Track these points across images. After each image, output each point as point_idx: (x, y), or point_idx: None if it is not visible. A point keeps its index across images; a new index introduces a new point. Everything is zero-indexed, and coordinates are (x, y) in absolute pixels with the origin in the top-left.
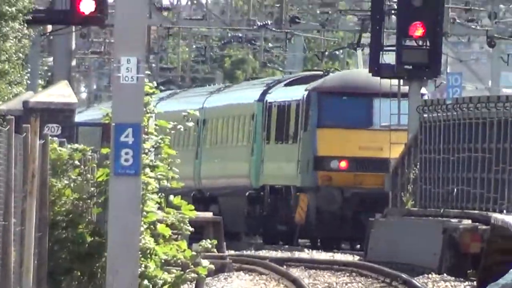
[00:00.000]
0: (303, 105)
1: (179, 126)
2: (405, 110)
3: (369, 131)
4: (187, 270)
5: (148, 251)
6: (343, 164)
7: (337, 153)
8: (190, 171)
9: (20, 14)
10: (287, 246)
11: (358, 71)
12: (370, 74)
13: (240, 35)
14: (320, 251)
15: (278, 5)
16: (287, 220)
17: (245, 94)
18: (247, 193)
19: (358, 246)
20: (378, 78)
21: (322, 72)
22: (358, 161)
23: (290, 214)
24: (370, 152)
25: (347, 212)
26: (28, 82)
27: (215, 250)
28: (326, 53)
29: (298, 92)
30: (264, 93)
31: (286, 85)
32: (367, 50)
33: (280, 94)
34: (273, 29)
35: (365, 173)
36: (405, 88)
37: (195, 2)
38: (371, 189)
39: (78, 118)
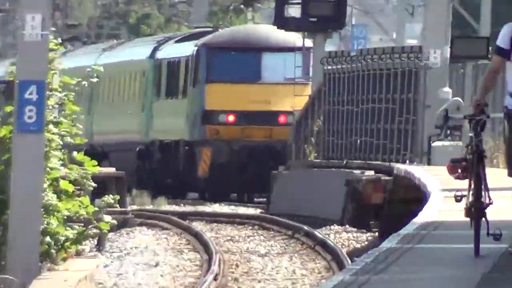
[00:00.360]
0: (193, 61)
1: (83, 82)
2: (296, 63)
3: (258, 85)
4: (90, 226)
5: (50, 208)
6: (231, 118)
7: (225, 107)
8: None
9: None
10: (190, 200)
11: (247, 27)
12: (261, 29)
13: None
14: (221, 204)
15: None
16: (176, 174)
17: (137, 51)
18: (137, 148)
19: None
20: (268, 32)
21: (212, 29)
22: (246, 114)
23: (178, 168)
24: (258, 105)
25: (235, 164)
26: None
27: (117, 205)
28: (231, 7)
29: (188, 48)
30: (155, 50)
31: (176, 41)
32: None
33: (171, 51)
34: None
35: (253, 126)
36: (298, 41)
37: None
38: (259, 141)
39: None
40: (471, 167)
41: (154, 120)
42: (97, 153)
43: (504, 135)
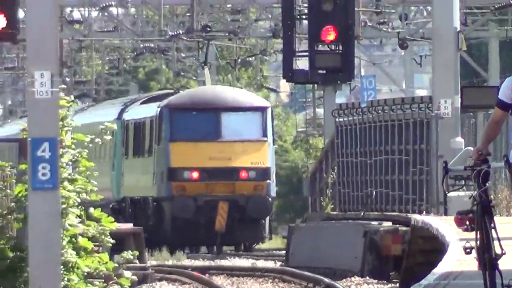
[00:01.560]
0: (156, 121)
1: (97, 140)
2: (253, 122)
3: (218, 143)
4: (110, 282)
5: (70, 265)
6: (195, 174)
7: (189, 165)
8: None
9: None
10: (209, 255)
11: (206, 88)
12: (218, 90)
13: (152, 45)
14: (242, 258)
15: (189, 14)
16: (147, 228)
17: (105, 113)
18: (110, 205)
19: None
20: (226, 93)
21: (173, 91)
22: (209, 171)
23: (148, 223)
24: (220, 162)
25: (200, 218)
26: None
27: (137, 261)
28: (239, 60)
29: (152, 109)
30: (122, 112)
31: (142, 103)
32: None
33: (136, 112)
34: (185, 38)
35: (215, 182)
36: (255, 100)
37: (106, 14)
38: (222, 196)
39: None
40: (476, 218)
41: (124, 178)
42: None
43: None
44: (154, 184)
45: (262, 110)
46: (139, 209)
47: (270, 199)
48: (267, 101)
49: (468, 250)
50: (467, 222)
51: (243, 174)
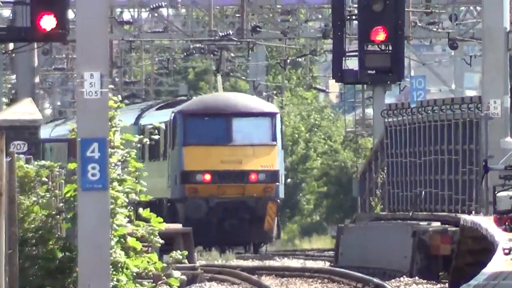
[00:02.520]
0: (171, 126)
1: (145, 140)
2: (263, 127)
3: (229, 147)
4: (159, 282)
5: (119, 265)
6: (207, 177)
7: (201, 168)
8: None
9: None
10: (258, 255)
11: (218, 94)
12: (230, 96)
13: (202, 46)
14: (290, 258)
15: (239, 15)
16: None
17: (124, 118)
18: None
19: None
20: (237, 99)
21: (187, 97)
22: (220, 173)
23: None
24: (230, 165)
25: (212, 219)
26: None
27: (186, 261)
28: (289, 60)
29: (167, 115)
30: (139, 117)
31: (157, 109)
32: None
33: (152, 118)
34: (235, 39)
35: (226, 184)
36: (265, 107)
37: (156, 15)
38: (233, 198)
39: (44, 134)
40: None
41: (141, 181)
42: None
43: None
44: (169, 187)
45: (271, 115)
46: (154, 210)
47: (278, 200)
48: (276, 107)
49: (506, 251)
50: (506, 222)
51: (253, 177)
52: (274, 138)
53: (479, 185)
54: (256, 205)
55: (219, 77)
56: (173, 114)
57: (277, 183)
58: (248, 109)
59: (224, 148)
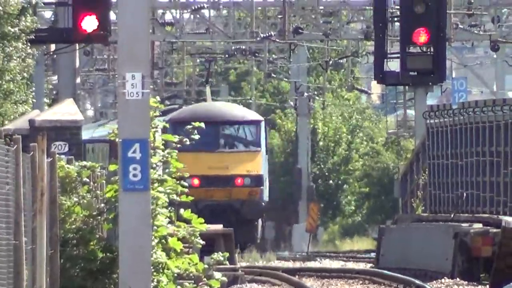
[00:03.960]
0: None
1: (184, 140)
2: (248, 134)
3: (217, 154)
4: (200, 283)
5: (160, 266)
6: (195, 181)
7: (190, 172)
8: None
9: (23, 34)
10: (298, 256)
11: (206, 104)
12: (218, 106)
13: (243, 47)
14: (332, 259)
15: (280, 16)
16: None
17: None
18: None
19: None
20: (224, 108)
21: (178, 106)
22: (208, 178)
23: None
24: (218, 170)
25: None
26: (34, 101)
27: (227, 262)
28: (330, 62)
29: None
30: None
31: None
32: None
33: None
34: (277, 40)
35: (214, 188)
36: (250, 115)
37: (198, 16)
38: (220, 201)
39: (86, 135)
40: None
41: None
42: None
43: None
44: None
45: (256, 123)
46: None
47: (263, 203)
48: (260, 116)
49: None
50: None
51: (239, 181)
52: (258, 145)
53: None
54: (241, 207)
55: (207, 88)
56: (164, 122)
57: (261, 187)
58: (235, 118)
59: (212, 154)
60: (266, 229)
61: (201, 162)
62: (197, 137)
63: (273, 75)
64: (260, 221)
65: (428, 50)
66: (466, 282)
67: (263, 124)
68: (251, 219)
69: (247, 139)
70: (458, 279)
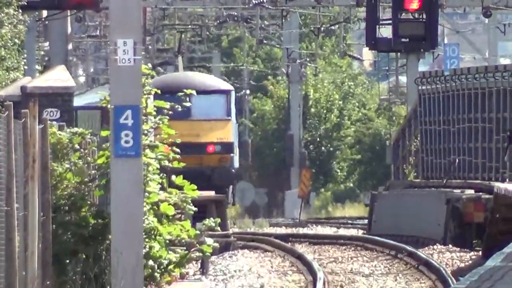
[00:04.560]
0: None
1: (176, 106)
2: (219, 103)
3: (188, 122)
4: (192, 249)
5: (152, 232)
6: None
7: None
8: None
9: (14, 0)
10: (291, 222)
11: (177, 74)
12: (190, 75)
13: (235, 14)
14: (324, 226)
15: None
16: None
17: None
18: None
19: None
20: (195, 78)
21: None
22: (180, 146)
23: None
24: (190, 138)
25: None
26: (25, 67)
27: (219, 228)
28: (322, 28)
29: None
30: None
31: None
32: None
33: None
34: (269, 6)
35: (186, 155)
36: (220, 84)
37: None
38: (191, 167)
39: (77, 102)
40: None
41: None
42: None
43: None
44: None
45: (226, 92)
46: None
47: (233, 170)
48: (230, 85)
49: None
50: None
51: (210, 148)
52: (229, 114)
53: (504, 157)
54: (212, 174)
55: (180, 58)
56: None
57: (231, 154)
58: (205, 87)
59: (184, 122)
60: (258, 195)
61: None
62: (189, 104)
63: (265, 41)
64: (231, 187)
65: (420, 16)
66: (459, 249)
67: (233, 93)
68: (222, 185)
69: (218, 108)
70: (450, 245)
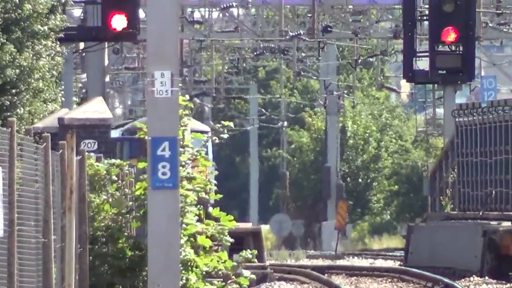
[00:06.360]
0: (121, 143)
1: (214, 138)
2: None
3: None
4: (229, 281)
5: (189, 263)
6: None
7: None
8: None
9: (52, 33)
10: (328, 254)
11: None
12: None
13: (272, 45)
14: (360, 257)
15: (310, 15)
16: None
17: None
18: None
19: None
20: None
21: (132, 120)
22: None
23: None
24: None
25: None
26: (63, 99)
27: (255, 260)
28: (360, 60)
29: (116, 133)
30: None
31: (112, 128)
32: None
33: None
34: (306, 38)
35: None
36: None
37: (226, 14)
38: None
39: (116, 133)
40: None
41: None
42: None
43: None
44: None
45: (205, 133)
46: None
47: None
48: (208, 126)
49: None
50: None
51: None
52: (206, 153)
53: None
54: None
55: None
56: (121, 132)
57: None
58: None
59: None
60: (295, 226)
61: None
62: (225, 136)
63: (302, 73)
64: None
65: (457, 48)
66: (495, 281)
67: (209, 134)
68: None
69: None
70: (487, 277)
